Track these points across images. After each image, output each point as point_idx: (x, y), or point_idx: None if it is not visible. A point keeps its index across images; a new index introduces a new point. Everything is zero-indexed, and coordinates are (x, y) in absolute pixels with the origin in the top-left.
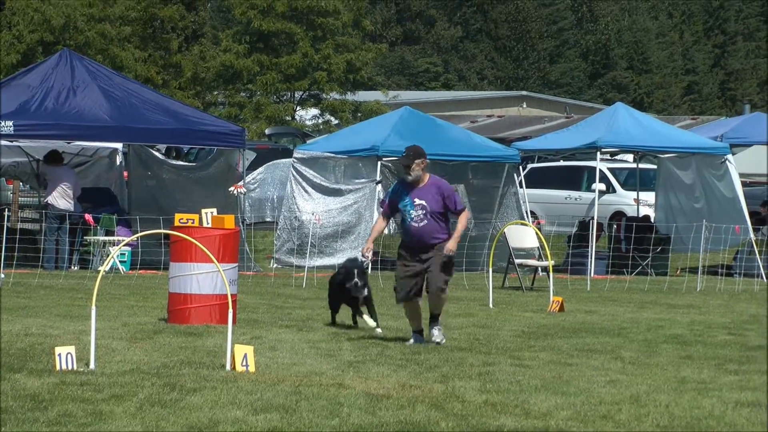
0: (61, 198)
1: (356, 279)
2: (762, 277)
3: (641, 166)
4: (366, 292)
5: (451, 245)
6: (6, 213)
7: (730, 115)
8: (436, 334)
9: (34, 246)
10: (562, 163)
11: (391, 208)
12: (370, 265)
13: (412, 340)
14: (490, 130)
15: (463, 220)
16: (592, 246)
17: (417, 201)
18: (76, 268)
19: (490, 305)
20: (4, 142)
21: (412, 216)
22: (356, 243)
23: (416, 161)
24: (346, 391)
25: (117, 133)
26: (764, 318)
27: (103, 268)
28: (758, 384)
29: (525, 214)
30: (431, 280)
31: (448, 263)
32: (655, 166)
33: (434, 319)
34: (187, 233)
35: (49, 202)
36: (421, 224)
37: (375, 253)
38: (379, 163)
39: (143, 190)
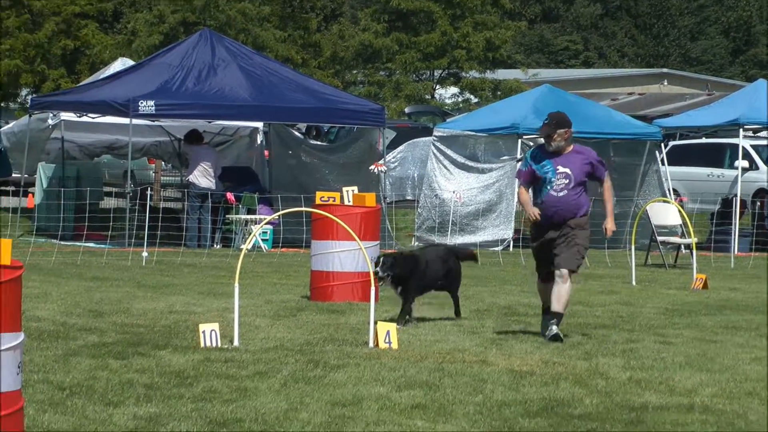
0: (203, 177)
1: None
2: None
3: None
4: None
5: (610, 225)
6: (149, 192)
7: None
8: (555, 330)
9: (176, 225)
10: (704, 140)
11: (532, 175)
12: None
13: (552, 329)
14: (631, 107)
15: (609, 194)
16: (735, 223)
17: (560, 168)
18: (218, 246)
19: (633, 283)
20: (145, 122)
21: (553, 185)
22: (498, 221)
23: (558, 131)
24: (489, 368)
25: (257, 112)
26: None
27: (246, 246)
28: None
29: (667, 192)
30: (561, 261)
31: (582, 247)
32: None
33: (554, 316)
34: (329, 211)
35: (190, 180)
36: (562, 194)
37: (516, 231)
38: (519, 141)
39: (284, 168)
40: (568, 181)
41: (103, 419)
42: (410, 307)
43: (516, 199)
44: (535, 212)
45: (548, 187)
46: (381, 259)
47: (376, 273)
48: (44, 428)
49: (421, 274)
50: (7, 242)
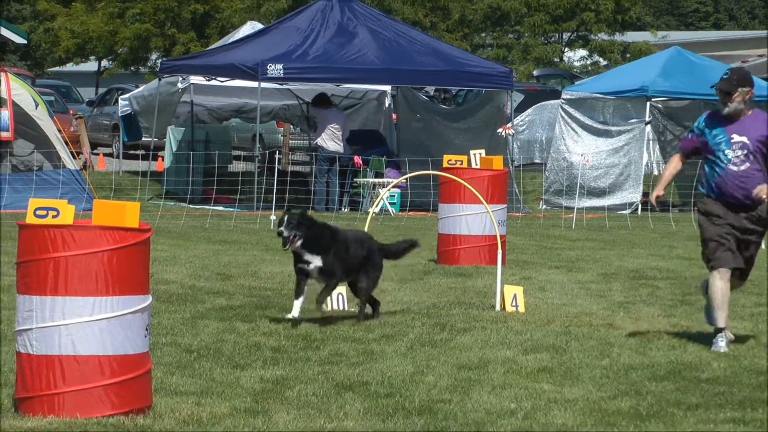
0: (331, 140)
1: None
2: None
3: None
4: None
5: None
6: (277, 156)
7: None
8: (722, 345)
9: (304, 188)
10: None
11: (696, 146)
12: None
13: (718, 345)
14: (762, 70)
15: None
16: None
17: (736, 138)
18: (346, 209)
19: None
20: (274, 85)
21: (729, 157)
22: (626, 184)
23: (740, 89)
24: (616, 332)
25: (386, 75)
26: None
27: (373, 209)
28: None
29: None
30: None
31: None
32: None
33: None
34: (456, 174)
35: (318, 144)
36: (742, 168)
37: (644, 194)
38: (648, 103)
39: (412, 132)
40: (745, 152)
41: (230, 382)
42: (334, 286)
43: (644, 162)
44: (656, 195)
45: (723, 162)
46: (285, 217)
47: (279, 233)
48: (172, 390)
49: (342, 249)
50: (135, 205)
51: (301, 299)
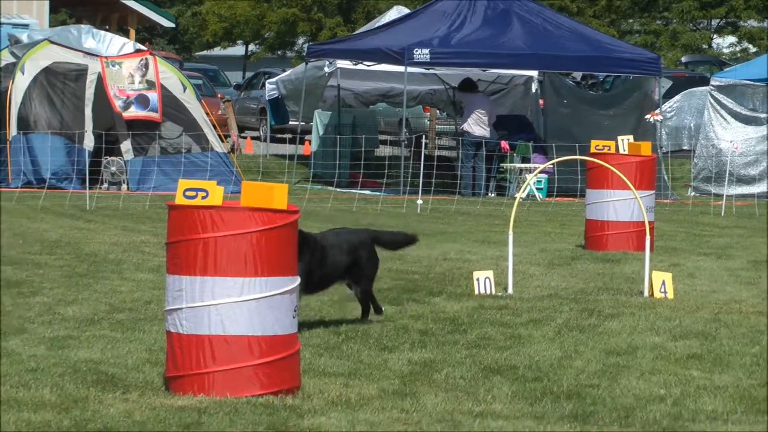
0: (477, 125)
1: None
2: None
3: None
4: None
5: None
6: (423, 140)
7: None
8: None
9: (451, 173)
10: None
11: None
12: None
13: None
14: None
15: None
16: None
17: None
18: (492, 194)
19: None
20: (420, 70)
21: None
22: None
23: None
24: (766, 320)
25: (532, 60)
26: None
27: (520, 194)
28: None
29: None
30: None
31: None
32: None
33: None
34: (604, 160)
35: (464, 129)
36: None
37: None
38: None
39: (558, 117)
40: None
41: (378, 364)
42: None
43: None
44: None
45: None
46: None
47: None
48: (320, 371)
49: (317, 260)
50: (284, 187)
51: None
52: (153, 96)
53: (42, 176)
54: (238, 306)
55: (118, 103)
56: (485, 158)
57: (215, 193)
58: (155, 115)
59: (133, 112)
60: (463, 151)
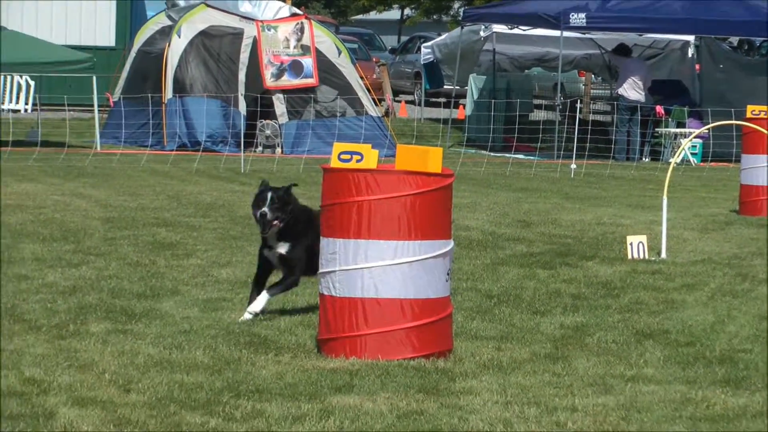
0: (632, 89)
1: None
2: None
3: None
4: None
5: None
6: (578, 105)
7: None
8: None
9: (605, 137)
10: None
11: None
12: None
13: None
14: None
15: None
16: None
17: None
18: (647, 159)
19: None
20: (576, 34)
21: None
22: None
23: None
24: None
25: (689, 25)
26: None
27: (674, 159)
28: None
29: None
30: None
31: None
32: None
33: None
34: (760, 125)
35: (620, 93)
36: None
37: None
38: None
39: (714, 82)
40: None
41: (530, 327)
42: (293, 284)
43: None
44: None
45: None
46: (268, 194)
47: (262, 215)
48: (472, 335)
49: (316, 239)
50: (438, 150)
51: (263, 294)
52: (307, 62)
53: (197, 139)
54: (391, 269)
55: (271, 70)
56: (640, 123)
57: (370, 157)
58: (310, 81)
59: (286, 81)
60: (617, 115)
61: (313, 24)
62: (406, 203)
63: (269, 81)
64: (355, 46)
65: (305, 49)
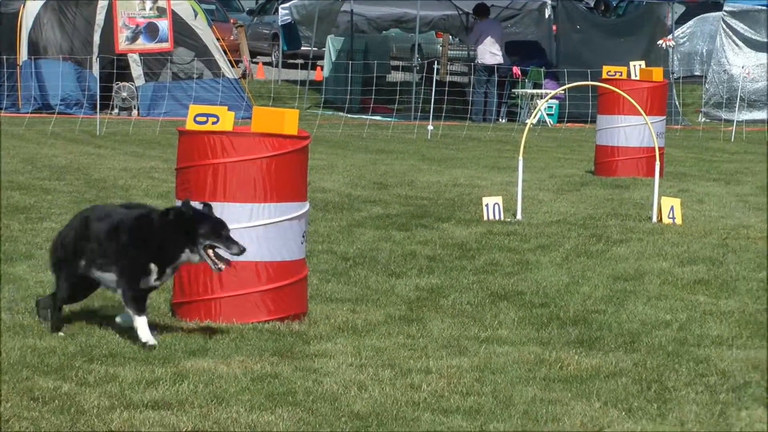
0: (489, 51)
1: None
2: None
3: None
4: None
5: None
6: (435, 66)
7: None
8: None
9: (462, 98)
10: None
11: None
12: None
13: None
14: None
15: None
16: None
17: None
18: (503, 120)
19: None
20: None
21: None
22: None
23: None
24: None
25: None
26: None
27: (531, 120)
28: None
29: None
30: None
31: None
32: None
33: None
34: (615, 85)
35: (477, 54)
36: None
37: None
38: None
39: (571, 43)
40: None
41: (385, 290)
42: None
43: None
44: None
45: None
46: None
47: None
48: (327, 297)
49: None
50: (294, 113)
51: None
52: (163, 24)
53: (52, 102)
54: (246, 231)
55: (126, 33)
56: (497, 84)
57: (226, 119)
58: (165, 46)
59: (140, 44)
60: (474, 77)
61: None
62: (261, 166)
63: (123, 44)
64: (213, 7)
65: (161, 11)
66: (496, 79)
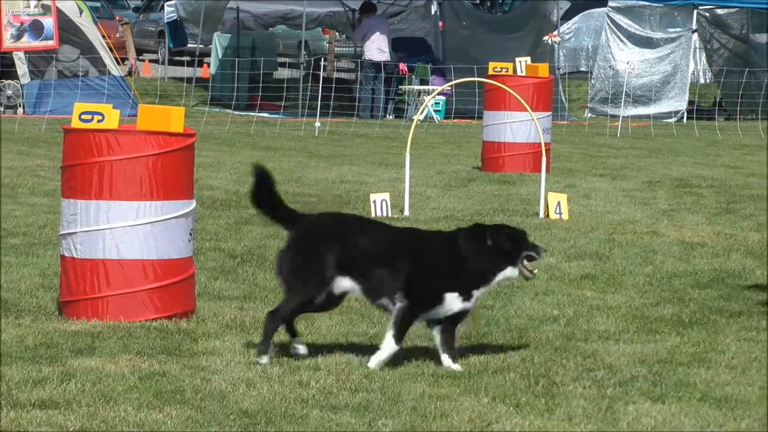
0: (375, 48)
1: None
2: None
3: None
4: None
5: None
6: (322, 63)
7: None
8: None
9: (349, 95)
10: None
11: None
12: None
13: None
14: None
15: None
16: None
17: None
18: (391, 116)
19: None
20: None
21: None
22: (672, 93)
23: None
24: (659, 239)
25: None
26: None
27: (418, 116)
28: None
29: None
30: None
31: None
32: None
33: None
34: (502, 82)
35: (364, 51)
36: None
37: (690, 102)
38: (695, 12)
39: (457, 39)
40: None
41: (273, 287)
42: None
43: (690, 70)
44: None
45: None
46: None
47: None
48: (215, 295)
49: None
50: (180, 110)
51: None
52: (48, 22)
53: None
54: (133, 230)
55: (11, 31)
56: (384, 80)
57: (111, 117)
58: (50, 44)
59: (25, 42)
60: (362, 73)
61: None
62: (147, 163)
63: (8, 42)
64: (98, 4)
65: (46, 9)
66: (383, 75)
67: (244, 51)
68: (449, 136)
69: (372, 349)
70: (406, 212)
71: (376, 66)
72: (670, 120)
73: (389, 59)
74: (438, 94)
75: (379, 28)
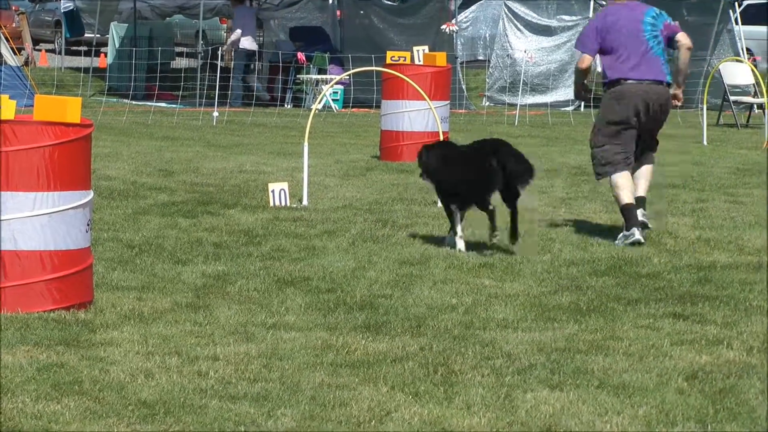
0: (246, 38)
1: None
2: None
3: None
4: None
5: None
6: (219, 52)
7: None
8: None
9: (246, 84)
10: None
11: None
12: None
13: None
14: None
15: None
16: None
17: None
18: (289, 106)
19: (704, 142)
20: None
21: None
22: (569, 81)
23: None
24: (557, 228)
25: None
26: None
27: (316, 105)
28: None
29: (741, 51)
30: None
31: None
32: None
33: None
34: (399, 71)
35: (233, 41)
36: None
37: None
38: (591, 0)
39: (355, 28)
40: None
41: (171, 277)
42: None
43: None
44: None
45: None
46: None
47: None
48: (113, 285)
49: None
50: (77, 100)
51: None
52: None
53: None
54: (30, 221)
55: None
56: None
57: (7, 107)
58: None
59: None
60: (234, 62)
61: None
62: (44, 154)
63: None
64: None
65: None
66: (256, 64)
67: (141, 41)
68: (347, 125)
69: (271, 338)
70: (305, 202)
71: (248, 55)
72: (567, 108)
73: (257, 49)
74: (336, 83)
75: (249, 17)
